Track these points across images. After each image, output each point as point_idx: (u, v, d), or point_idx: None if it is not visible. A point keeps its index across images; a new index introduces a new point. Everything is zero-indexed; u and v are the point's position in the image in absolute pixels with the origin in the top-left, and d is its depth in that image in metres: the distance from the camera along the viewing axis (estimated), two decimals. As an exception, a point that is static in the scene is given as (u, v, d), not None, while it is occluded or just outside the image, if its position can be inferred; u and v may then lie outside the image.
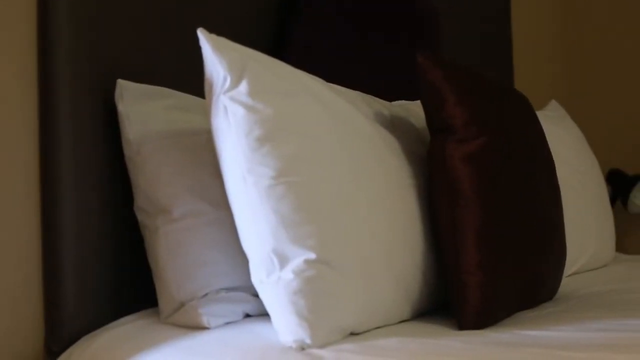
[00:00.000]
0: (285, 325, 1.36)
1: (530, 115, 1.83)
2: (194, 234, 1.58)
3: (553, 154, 1.91)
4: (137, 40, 1.74)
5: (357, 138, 1.52)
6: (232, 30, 1.59)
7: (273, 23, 2.10)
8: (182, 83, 1.74)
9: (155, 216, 1.59)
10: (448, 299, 1.59)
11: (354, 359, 1.29)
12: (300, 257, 1.36)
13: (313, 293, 1.35)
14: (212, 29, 1.45)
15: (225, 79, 1.41)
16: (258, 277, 1.40)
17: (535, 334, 1.46)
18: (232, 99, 1.40)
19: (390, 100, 1.86)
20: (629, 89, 3.40)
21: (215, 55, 1.41)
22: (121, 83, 1.64)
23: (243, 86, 1.40)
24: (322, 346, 1.34)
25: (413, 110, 1.82)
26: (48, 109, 1.59)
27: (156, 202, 1.59)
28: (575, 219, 2.27)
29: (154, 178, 1.59)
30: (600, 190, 2.64)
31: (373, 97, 1.75)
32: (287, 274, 1.36)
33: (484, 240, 1.54)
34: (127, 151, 1.62)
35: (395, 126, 1.69)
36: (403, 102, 1.92)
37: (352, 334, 1.44)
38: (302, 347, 1.34)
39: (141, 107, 1.64)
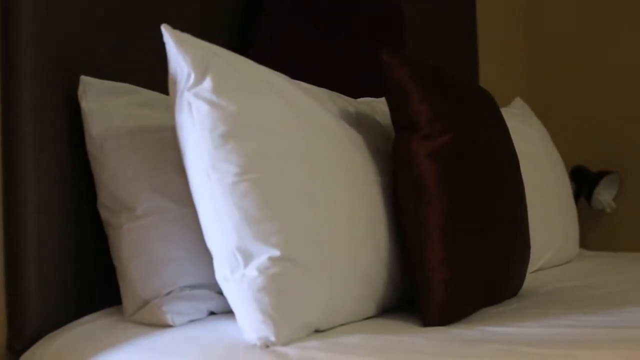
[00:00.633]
0: (249, 322, 1.36)
1: (494, 113, 1.84)
2: (158, 231, 1.57)
3: (517, 150, 1.92)
4: (100, 37, 1.73)
5: (322, 135, 1.52)
6: (196, 27, 1.58)
7: (238, 21, 2.09)
8: (146, 79, 1.73)
9: (119, 213, 1.58)
10: (413, 295, 1.59)
11: (319, 356, 1.29)
12: (264, 254, 1.35)
13: (277, 290, 1.35)
14: (176, 26, 1.44)
15: (189, 76, 1.40)
16: (222, 274, 1.40)
17: (499, 330, 1.46)
18: (196, 95, 1.40)
19: (355, 97, 1.86)
20: (592, 86, 3.42)
21: (179, 52, 1.41)
22: (84, 79, 1.63)
23: (207, 83, 1.40)
24: (286, 344, 1.34)
25: (378, 108, 1.82)
26: (10, 105, 1.57)
27: (119, 199, 1.58)
28: (540, 215, 2.28)
29: (117, 175, 1.58)
30: (564, 187, 2.66)
31: (338, 94, 1.75)
32: (252, 271, 1.35)
33: (449, 236, 1.55)
34: (90, 148, 1.60)
35: (360, 123, 1.69)
36: (368, 99, 1.92)
37: (317, 331, 1.43)
38: (267, 345, 1.34)
39: (104, 104, 1.63)
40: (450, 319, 1.53)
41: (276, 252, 1.35)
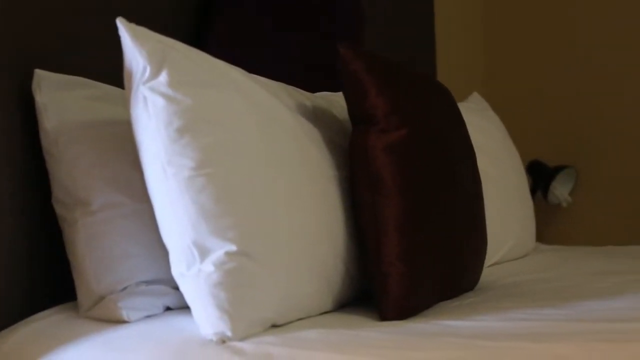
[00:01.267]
0: (205, 318, 1.35)
1: (451, 107, 1.84)
2: (114, 226, 1.56)
3: (474, 145, 1.93)
4: (55, 30, 1.71)
5: (279, 129, 1.51)
6: (152, 21, 1.57)
7: (194, 15, 2.08)
8: (101, 73, 1.72)
9: (74, 208, 1.57)
10: (370, 289, 1.59)
11: (275, 351, 1.28)
12: (220, 249, 1.35)
13: (234, 285, 1.34)
14: (132, 20, 1.43)
15: (144, 69, 1.39)
16: (178, 269, 1.39)
17: (456, 323, 1.47)
18: (152, 89, 1.38)
19: (312, 91, 1.85)
20: (549, 81, 3.45)
21: (135, 45, 1.40)
22: (39, 73, 1.61)
23: (163, 76, 1.39)
24: (242, 339, 1.34)
25: (335, 102, 1.82)
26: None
27: (74, 194, 1.56)
28: (496, 209, 2.29)
29: (72, 169, 1.56)
30: (520, 181, 2.67)
31: (295, 88, 1.74)
32: (208, 266, 1.35)
33: (406, 231, 1.55)
34: (45, 142, 1.59)
35: (317, 117, 1.68)
36: (325, 93, 1.92)
37: (274, 326, 1.43)
38: (223, 340, 1.33)
39: (59, 97, 1.61)
40: (407, 313, 1.54)
41: (232, 247, 1.35)
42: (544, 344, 1.25)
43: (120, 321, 1.50)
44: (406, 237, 1.55)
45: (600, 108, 3.35)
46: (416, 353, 1.24)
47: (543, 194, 3.30)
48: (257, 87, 1.54)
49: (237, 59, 1.62)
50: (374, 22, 2.59)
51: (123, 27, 1.41)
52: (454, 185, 1.72)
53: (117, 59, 1.45)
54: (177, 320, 1.48)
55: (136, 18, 1.46)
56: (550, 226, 3.41)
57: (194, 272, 1.36)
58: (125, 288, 1.54)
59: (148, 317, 1.53)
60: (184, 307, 1.47)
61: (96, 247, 1.55)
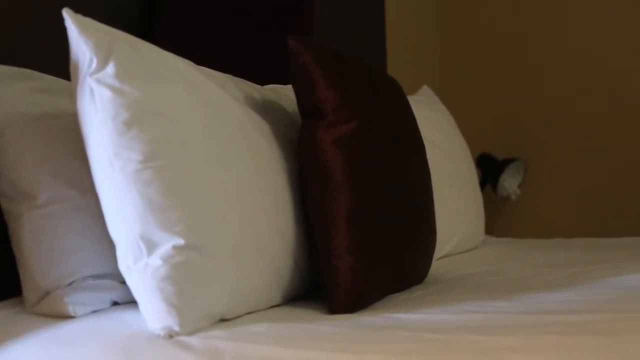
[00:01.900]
0: (153, 312, 1.34)
1: (401, 100, 1.84)
2: (60, 220, 1.53)
3: (424, 138, 1.93)
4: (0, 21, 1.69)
5: (227, 121, 1.50)
6: (100, 12, 1.55)
7: (143, 6, 2.06)
8: (47, 65, 1.69)
9: (19, 202, 1.54)
10: (319, 283, 1.59)
11: (223, 346, 1.27)
12: (168, 243, 1.33)
13: (181, 279, 1.33)
14: (79, 11, 1.41)
15: (91, 61, 1.37)
16: (125, 263, 1.37)
17: (405, 316, 1.47)
18: (99, 81, 1.37)
19: (262, 84, 1.84)
20: (499, 75, 3.47)
21: (81, 36, 1.37)
22: (-18, 64, 1.59)
23: (110, 68, 1.37)
24: (190, 333, 1.32)
25: (285, 94, 1.81)
26: None
27: (20, 188, 1.54)
28: (446, 202, 2.30)
29: (17, 163, 1.54)
30: (470, 174, 2.69)
31: (244, 80, 1.73)
32: (155, 260, 1.33)
33: (355, 224, 1.55)
34: (-11, 135, 1.56)
35: (266, 110, 1.67)
36: (275, 85, 1.91)
37: (222, 320, 1.42)
38: (171, 335, 1.32)
39: (4, 89, 1.58)
40: (356, 307, 1.53)
41: (180, 241, 1.33)
42: (493, 336, 1.26)
43: (66, 316, 1.48)
44: (355, 230, 1.54)
45: (548, 102, 3.38)
46: (365, 346, 1.24)
47: (492, 187, 3.32)
48: (205, 80, 1.53)
49: (185, 51, 1.60)
50: (324, 15, 2.59)
51: (69, 18, 1.39)
52: (403, 179, 1.72)
53: (63, 50, 1.43)
54: (124, 315, 1.46)
55: (83, 9, 1.44)
56: (500, 219, 3.44)
57: (141, 266, 1.34)
58: (71, 283, 1.52)
59: (95, 312, 1.52)
60: (132, 302, 1.46)
61: (42, 241, 1.53)
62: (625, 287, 1.72)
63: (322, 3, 2.57)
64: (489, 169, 3.33)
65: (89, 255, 1.55)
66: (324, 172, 1.55)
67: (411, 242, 1.74)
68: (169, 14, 2.04)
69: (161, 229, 1.34)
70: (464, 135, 2.80)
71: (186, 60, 1.54)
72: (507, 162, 3.30)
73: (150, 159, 1.35)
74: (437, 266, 2.12)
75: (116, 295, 1.56)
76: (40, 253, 1.52)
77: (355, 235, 1.54)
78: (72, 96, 1.43)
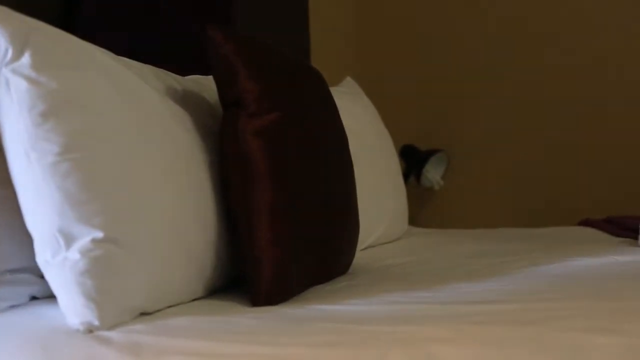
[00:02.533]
0: (72, 307, 1.31)
1: (324, 92, 1.84)
2: (-24, 213, 1.50)
3: (347, 129, 1.93)
4: None
5: (146, 112, 1.48)
6: (16, 1, 1.51)
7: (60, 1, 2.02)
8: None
9: None
10: (242, 275, 1.58)
11: (143, 340, 1.25)
12: (86, 236, 1.31)
13: (101, 273, 1.31)
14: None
15: (6, 51, 1.34)
16: (43, 257, 1.35)
17: (327, 308, 1.47)
18: (14, 71, 1.33)
19: (183, 74, 1.83)
20: (422, 67, 3.49)
21: (-4, 26, 1.34)
22: None
23: (26, 59, 1.34)
24: (110, 328, 1.30)
25: (206, 85, 1.80)
26: None
27: None
28: (369, 193, 2.31)
29: None
30: (393, 165, 2.70)
31: (164, 71, 1.71)
32: (74, 254, 1.31)
33: (277, 216, 1.54)
34: None
35: (187, 101, 1.66)
36: (196, 76, 1.89)
37: (143, 314, 1.40)
38: (90, 330, 1.30)
39: None
40: (279, 299, 1.53)
41: (99, 234, 1.31)
42: (416, 327, 1.26)
43: (-17, 312, 1.45)
44: (278, 222, 1.54)
45: (470, 93, 3.41)
46: (286, 339, 1.23)
47: (416, 178, 3.35)
48: (124, 70, 1.50)
49: (104, 41, 1.58)
50: (247, 6, 2.57)
51: (-16, 7, 1.36)
52: (325, 170, 1.72)
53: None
54: (43, 310, 1.44)
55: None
56: (423, 209, 3.46)
57: (60, 260, 1.32)
58: (-12, 277, 1.49)
59: (13, 307, 1.49)
60: (51, 297, 1.43)
61: (-43, 236, 1.49)
62: (546, 276, 1.74)
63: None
64: (412, 161, 3.35)
65: (7, 249, 1.51)
66: (246, 163, 1.54)
67: (334, 233, 1.74)
68: (88, 4, 2.01)
69: (79, 222, 1.31)
70: (387, 127, 2.81)
71: (105, 50, 1.52)
72: (430, 153, 3.33)
73: (68, 151, 1.32)
74: (361, 257, 2.12)
75: (35, 290, 1.53)
76: (-44, 247, 1.49)
77: (278, 226, 1.54)
78: (-14, 87, 1.40)
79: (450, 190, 3.43)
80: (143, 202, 1.40)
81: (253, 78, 1.56)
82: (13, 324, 1.40)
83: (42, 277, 1.45)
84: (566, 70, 3.25)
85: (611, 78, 3.18)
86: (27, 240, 1.41)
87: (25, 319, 1.42)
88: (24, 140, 1.33)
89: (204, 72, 1.89)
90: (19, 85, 1.33)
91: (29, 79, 1.33)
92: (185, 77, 1.81)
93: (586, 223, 2.76)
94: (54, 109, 1.33)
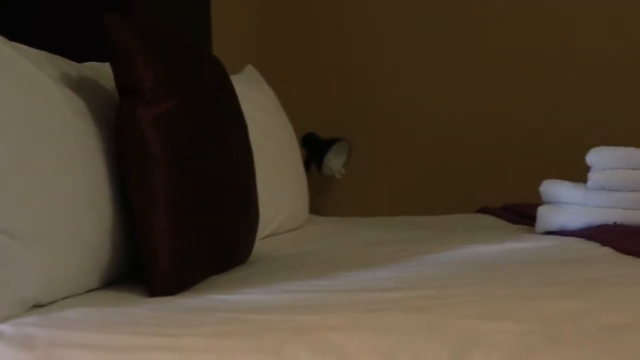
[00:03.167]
0: (-39, 299, 1.28)
1: (223, 79, 1.83)
2: None
3: (247, 117, 1.92)
4: None
5: (40, 100, 1.44)
6: None
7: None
8: None
9: None
10: (139, 265, 1.56)
11: (36, 332, 1.22)
12: (-24, 227, 1.28)
13: (-9, 264, 1.28)
14: None
15: None
16: None
17: (226, 297, 1.46)
18: None
19: (80, 61, 1.79)
20: (324, 55, 3.49)
21: None
22: None
23: None
24: (2, 320, 1.26)
25: (103, 72, 1.76)
26: None
27: None
28: (269, 181, 2.30)
29: None
30: (294, 153, 2.70)
31: (60, 57, 1.67)
32: (-38, 245, 1.27)
33: (175, 204, 1.52)
34: None
35: (83, 88, 1.62)
36: (93, 63, 1.86)
37: (37, 306, 1.37)
38: (-20, 323, 1.26)
39: None
40: (176, 289, 1.51)
41: (-11, 225, 1.28)
42: (312, 315, 1.26)
43: None
44: (175, 211, 1.52)
45: (371, 83, 3.43)
46: (183, 329, 1.22)
47: (317, 167, 3.35)
48: (17, 56, 1.46)
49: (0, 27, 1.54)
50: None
51: None
52: (224, 158, 1.71)
53: None
54: None
55: None
56: (325, 198, 3.47)
57: (-53, 252, 1.28)
58: None
59: None
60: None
61: None
62: (443, 263, 1.76)
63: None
64: (314, 149, 3.35)
65: None
66: (143, 151, 1.52)
67: (233, 221, 1.73)
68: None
69: (-32, 212, 1.27)
70: (289, 116, 2.81)
71: (-3, 36, 1.48)
72: (332, 141, 3.33)
73: (-42, 139, 1.28)
74: (261, 246, 2.12)
75: None
76: None
77: (175, 215, 1.52)
78: None
79: (352, 179, 3.44)
80: (36, 192, 1.36)
81: (150, 66, 1.54)
82: None
83: None
84: (463, 60, 3.29)
85: (505, 70, 3.23)
86: None
87: None
88: None
89: (103, 59, 1.86)
90: None
91: None
92: (82, 64, 1.77)
93: (484, 211, 2.81)
94: (-58, 96, 1.29)
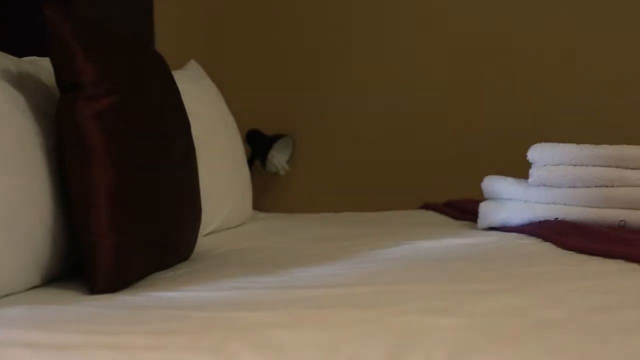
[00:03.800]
0: None
1: (165, 74, 1.81)
2: None
3: (190, 113, 1.91)
4: None
5: (-22, 95, 1.43)
6: None
7: None
8: None
9: None
10: (80, 262, 1.54)
11: (-26, 331, 1.21)
12: None
13: None
14: None
15: None
16: None
17: (169, 295, 1.45)
18: None
19: (20, 55, 1.76)
20: (269, 51, 3.49)
21: None
22: None
23: None
24: (-62, 320, 1.25)
25: (44, 67, 1.74)
26: None
27: None
28: (212, 178, 2.29)
29: None
30: (237, 150, 2.69)
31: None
32: None
33: (116, 201, 1.51)
34: None
35: (22, 83, 1.60)
36: (33, 57, 1.83)
37: (-25, 304, 1.35)
38: None
39: None
40: (118, 286, 1.50)
41: None
42: (257, 312, 1.26)
43: None
44: (117, 207, 1.51)
45: (314, 79, 3.43)
46: (125, 327, 1.20)
47: (261, 163, 3.34)
48: (-47, 50, 1.44)
49: None
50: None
51: None
52: (167, 154, 1.69)
53: None
54: None
55: None
56: (269, 194, 3.46)
57: None
58: None
59: None
60: None
61: None
62: (386, 260, 1.77)
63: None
64: (258, 145, 3.35)
65: None
66: (84, 147, 1.50)
67: (175, 218, 1.72)
68: None
69: None
70: (233, 112, 2.80)
71: None
72: (276, 138, 3.33)
73: None
74: (204, 243, 2.11)
75: None
76: None
77: (117, 212, 1.51)
78: None
79: (296, 175, 3.44)
80: (-28, 188, 1.35)
81: (90, 60, 1.52)
82: None
83: None
84: (406, 58, 3.31)
85: (446, 68, 3.25)
86: None
87: None
88: None
89: (43, 54, 1.83)
90: None
91: None
92: (22, 59, 1.75)
93: (428, 207, 2.82)
94: None
